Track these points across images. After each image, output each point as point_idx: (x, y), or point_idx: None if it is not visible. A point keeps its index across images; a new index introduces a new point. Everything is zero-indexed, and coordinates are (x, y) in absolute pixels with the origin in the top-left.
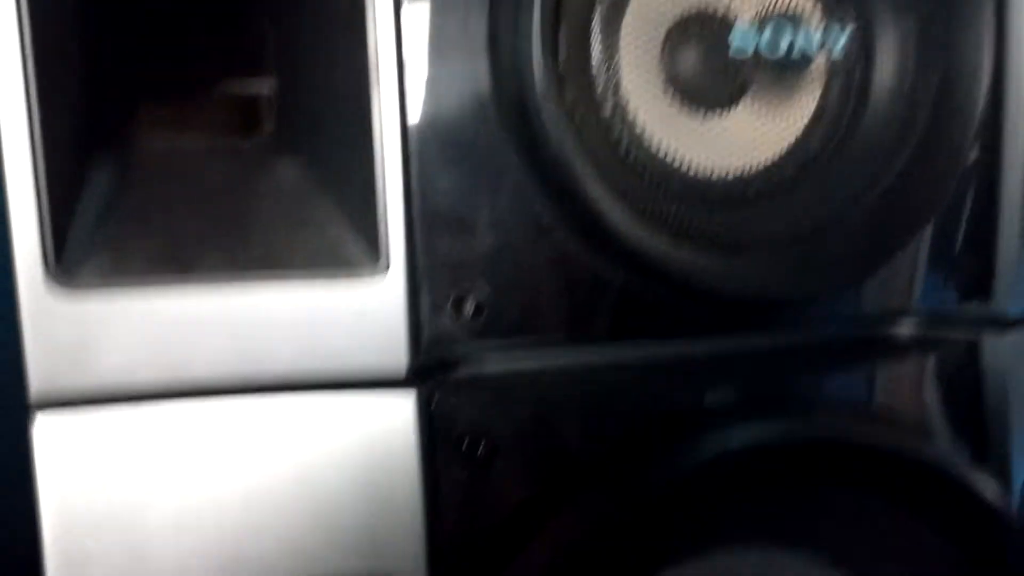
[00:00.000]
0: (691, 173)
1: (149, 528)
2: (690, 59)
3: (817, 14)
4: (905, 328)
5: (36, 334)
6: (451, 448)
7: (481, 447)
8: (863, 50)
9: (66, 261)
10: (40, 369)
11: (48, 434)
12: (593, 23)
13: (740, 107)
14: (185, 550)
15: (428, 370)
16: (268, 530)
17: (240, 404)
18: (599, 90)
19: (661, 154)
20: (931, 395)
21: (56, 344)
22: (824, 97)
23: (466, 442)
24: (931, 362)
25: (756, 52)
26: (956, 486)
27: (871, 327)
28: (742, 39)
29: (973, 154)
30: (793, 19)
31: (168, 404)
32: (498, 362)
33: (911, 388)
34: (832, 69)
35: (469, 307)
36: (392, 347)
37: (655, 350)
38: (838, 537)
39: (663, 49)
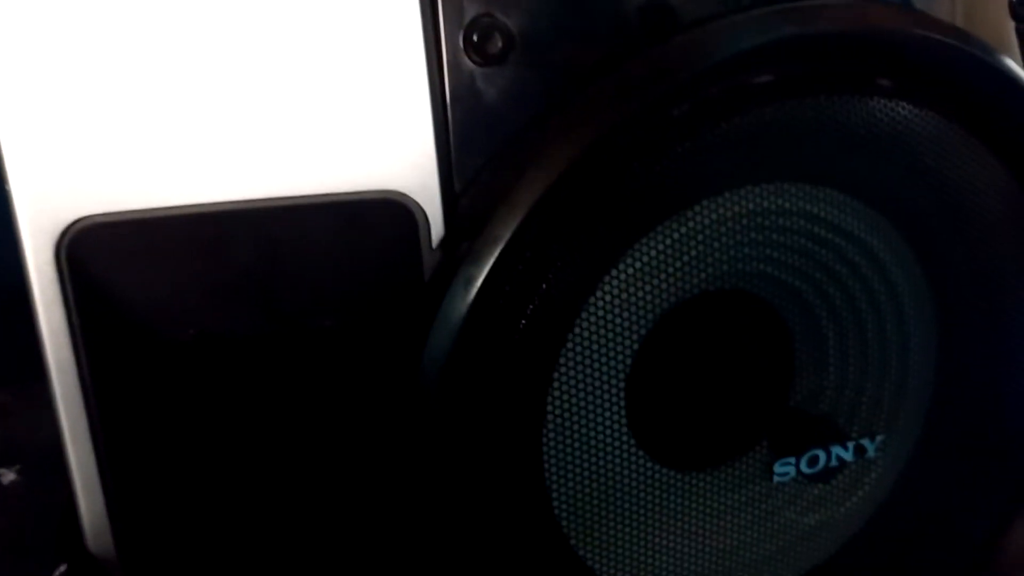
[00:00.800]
0: None
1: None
2: None
3: None
4: None
5: None
6: (461, 41)
7: (495, 40)
8: None
9: None
10: None
11: None
12: None
13: None
14: (161, 149)
15: None
16: (263, 137)
17: None
18: None
19: None
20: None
21: None
22: None
23: (477, 35)
24: None
25: None
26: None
27: None
28: None
29: None
30: None
31: None
32: None
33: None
34: None
35: None
36: None
37: None
38: (878, 179)
39: None
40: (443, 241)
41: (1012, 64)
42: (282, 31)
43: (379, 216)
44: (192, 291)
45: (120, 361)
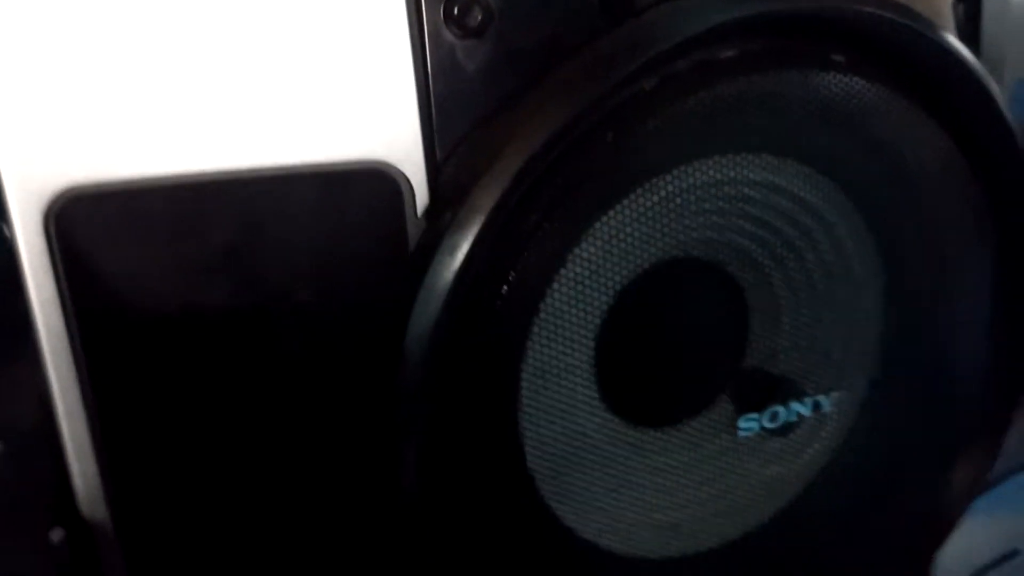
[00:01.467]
0: None
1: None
2: None
3: None
4: None
5: None
6: (441, 14)
7: (474, 14)
8: None
9: None
10: None
11: None
12: None
13: None
14: (147, 118)
15: None
16: (248, 108)
17: None
18: None
19: None
20: None
21: None
22: None
23: (457, 8)
24: None
25: None
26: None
27: None
28: None
29: None
30: None
31: None
32: None
33: None
34: None
35: None
36: None
37: None
38: (832, 150)
39: None
40: (427, 211)
41: (953, 39)
42: (266, 2)
43: (364, 186)
44: (177, 262)
45: (109, 332)
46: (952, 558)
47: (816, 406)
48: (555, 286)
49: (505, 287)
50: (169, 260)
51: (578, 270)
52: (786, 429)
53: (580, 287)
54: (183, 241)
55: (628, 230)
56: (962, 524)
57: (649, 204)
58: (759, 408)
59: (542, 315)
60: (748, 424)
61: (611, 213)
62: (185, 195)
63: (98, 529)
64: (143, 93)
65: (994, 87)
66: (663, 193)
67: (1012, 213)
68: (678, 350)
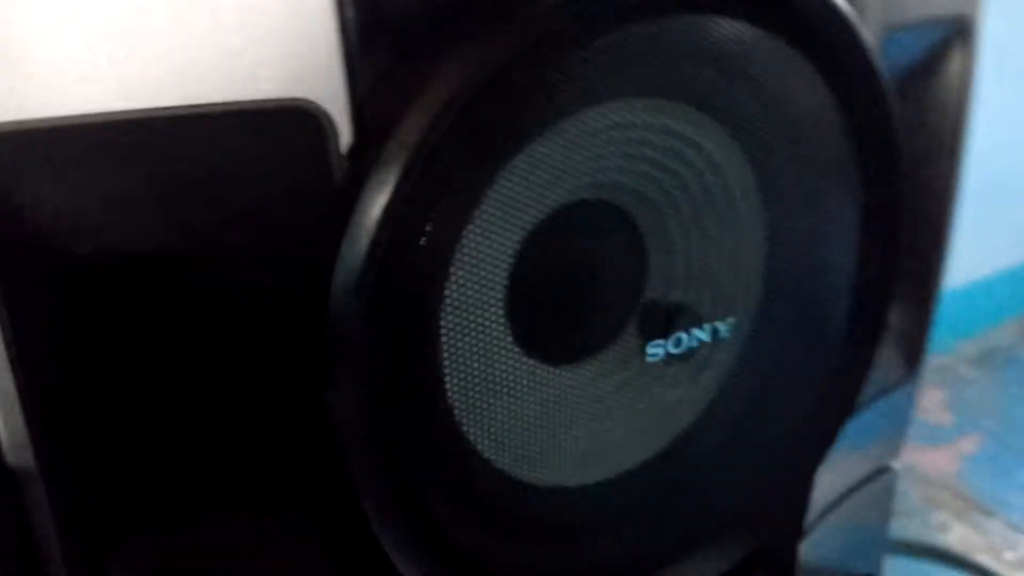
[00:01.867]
0: None
1: None
2: None
3: None
4: None
5: None
6: None
7: None
8: None
9: None
10: None
11: None
12: None
13: None
14: (63, 55)
15: None
16: (166, 44)
17: None
18: None
19: None
20: None
21: None
22: None
23: None
24: None
25: None
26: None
27: None
28: None
29: None
30: None
31: None
32: None
33: None
34: None
35: None
36: None
37: None
38: (723, 94)
39: None
40: (351, 147)
41: None
42: None
43: (284, 124)
44: (96, 203)
45: (29, 275)
46: (829, 475)
47: (714, 332)
48: (471, 225)
49: (429, 225)
50: (89, 201)
51: (492, 210)
52: (688, 355)
53: (494, 227)
54: (102, 182)
55: (538, 171)
56: (837, 444)
57: (557, 146)
58: (664, 335)
59: (459, 254)
60: (655, 350)
61: (523, 154)
62: (103, 135)
63: (23, 477)
64: (59, 32)
65: (866, 34)
66: (571, 135)
67: (876, 157)
68: (583, 288)
